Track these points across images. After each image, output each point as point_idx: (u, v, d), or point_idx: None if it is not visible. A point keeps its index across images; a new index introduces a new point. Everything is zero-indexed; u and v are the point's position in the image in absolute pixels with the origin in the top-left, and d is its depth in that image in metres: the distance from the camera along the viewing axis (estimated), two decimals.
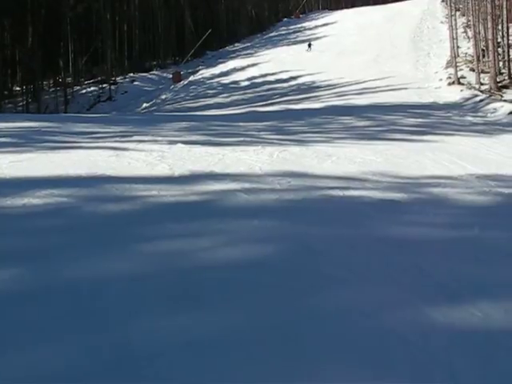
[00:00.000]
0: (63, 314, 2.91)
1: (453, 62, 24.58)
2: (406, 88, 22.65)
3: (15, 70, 40.64)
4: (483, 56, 24.40)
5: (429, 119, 14.80)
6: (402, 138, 10.75)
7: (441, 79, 24.55)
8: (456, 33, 27.57)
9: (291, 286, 3.36)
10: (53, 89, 39.04)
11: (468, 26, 31.24)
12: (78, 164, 6.62)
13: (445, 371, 2.53)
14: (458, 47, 27.24)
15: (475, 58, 23.95)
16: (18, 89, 39.69)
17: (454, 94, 20.84)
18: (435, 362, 2.60)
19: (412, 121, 14.28)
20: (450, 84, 23.31)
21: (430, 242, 4.33)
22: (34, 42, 35.86)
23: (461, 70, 24.40)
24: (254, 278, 3.41)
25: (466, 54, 27.68)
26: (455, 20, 28.15)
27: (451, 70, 24.48)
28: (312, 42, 38.45)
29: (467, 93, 20.94)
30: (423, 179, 6.73)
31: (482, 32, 25.02)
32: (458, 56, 26.41)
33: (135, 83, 38.58)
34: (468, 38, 30.07)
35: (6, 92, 37.99)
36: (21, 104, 35.96)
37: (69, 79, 38.81)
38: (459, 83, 22.94)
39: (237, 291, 3.25)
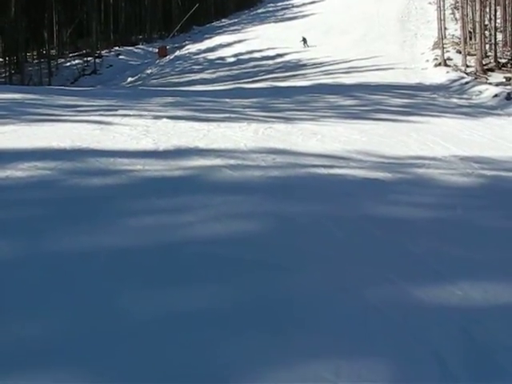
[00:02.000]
0: (43, 287, 2.90)
1: (440, 44, 24.55)
2: (392, 68, 22.61)
3: None
4: (470, 38, 24.39)
5: (414, 100, 14.82)
6: (387, 118, 10.77)
7: (427, 60, 24.52)
8: (444, 14, 27.51)
9: (274, 262, 3.37)
10: (36, 61, 38.45)
11: (456, 8, 31.15)
12: (61, 137, 6.56)
13: (425, 348, 2.56)
14: (445, 29, 27.20)
15: (462, 40, 23.93)
16: (0, 60, 39.10)
17: (440, 76, 20.83)
18: (415, 339, 2.63)
19: (398, 101, 14.29)
20: (436, 65, 23.30)
21: (413, 221, 4.36)
22: (17, 12, 35.21)
23: (447, 51, 24.38)
24: (237, 254, 3.42)
25: (453, 35, 27.63)
26: (443, 1, 28.04)
27: (438, 52, 24.45)
28: (306, 37, 32.27)
29: (453, 75, 20.94)
30: (407, 159, 6.75)
31: (470, 14, 24.99)
32: (445, 38, 26.36)
33: (120, 57, 38.13)
34: (456, 19, 30.00)
35: None
36: (4, 75, 35.39)
37: (53, 51, 38.25)
38: (445, 65, 22.93)
39: (220, 267, 3.25)
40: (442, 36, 25.36)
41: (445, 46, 24.40)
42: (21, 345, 2.39)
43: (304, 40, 31.74)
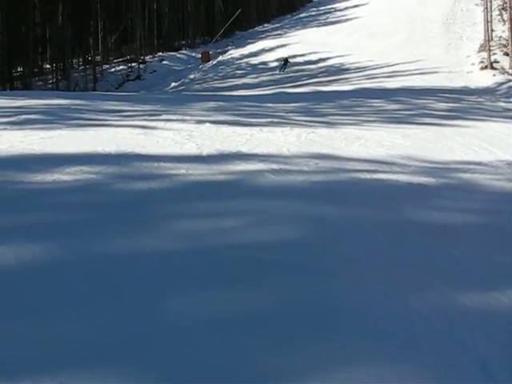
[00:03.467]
0: (91, 290, 2.95)
1: (486, 46, 24.13)
2: (436, 72, 22.33)
3: (45, 47, 40.98)
4: None
5: (460, 104, 14.60)
6: (431, 123, 10.62)
7: (473, 63, 24.14)
8: (491, 15, 27.04)
9: (317, 267, 3.36)
10: (82, 67, 39.29)
11: (504, 9, 30.56)
12: (106, 141, 6.67)
13: (470, 355, 2.52)
14: (492, 30, 26.72)
15: (510, 41, 23.47)
16: (47, 66, 40.05)
17: (487, 79, 20.49)
18: (460, 346, 2.59)
19: (442, 105, 14.09)
20: (482, 68, 22.91)
21: (458, 227, 4.30)
22: (64, 20, 36.04)
23: (494, 54, 23.95)
24: (280, 259, 3.42)
25: (501, 37, 27.13)
26: (490, 2, 27.58)
27: (484, 54, 24.04)
28: (289, 59, 28.24)
29: (500, 78, 20.57)
30: (452, 164, 6.65)
31: None
32: (492, 40, 25.91)
33: (164, 62, 38.64)
34: (503, 20, 29.45)
35: (36, 70, 38.34)
36: (51, 82, 36.26)
37: (98, 57, 39.00)
38: (492, 68, 22.53)
39: (262, 271, 3.26)
40: (488, 38, 24.91)
41: (491, 48, 23.97)
42: (65, 344, 2.44)
43: (285, 62, 27.25)
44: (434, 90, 17.58)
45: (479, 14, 32.74)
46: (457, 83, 19.87)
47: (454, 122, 10.82)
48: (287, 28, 43.04)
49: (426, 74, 21.76)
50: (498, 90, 18.58)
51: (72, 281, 3.02)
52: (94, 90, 32.33)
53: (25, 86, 33.36)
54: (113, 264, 3.25)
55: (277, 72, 26.21)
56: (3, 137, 6.76)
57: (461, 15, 36.62)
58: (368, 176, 5.72)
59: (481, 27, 28.46)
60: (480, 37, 27.74)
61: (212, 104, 12.53)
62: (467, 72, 22.75)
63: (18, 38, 34.29)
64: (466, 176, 6.01)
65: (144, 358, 2.37)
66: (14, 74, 36.18)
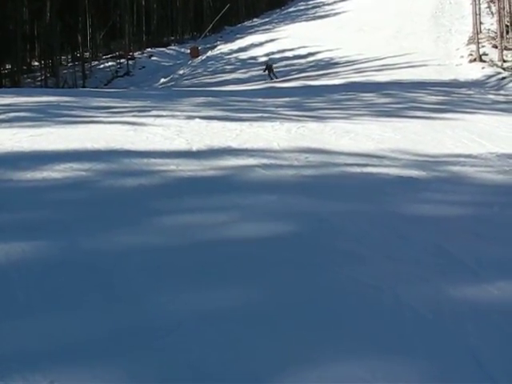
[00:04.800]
0: (81, 285, 2.95)
1: (475, 39, 24.20)
2: (426, 65, 22.37)
3: (34, 45, 40.71)
4: (507, 32, 24.00)
5: (449, 97, 14.64)
6: (421, 116, 10.65)
7: (462, 56, 24.20)
8: (479, 8, 27.08)
9: (309, 261, 3.37)
10: (71, 64, 39.08)
11: (492, 1, 30.65)
12: (96, 138, 6.64)
13: (461, 347, 2.53)
14: (480, 23, 26.78)
15: (498, 34, 23.56)
16: (36, 64, 39.78)
17: (476, 72, 20.56)
18: (451, 338, 2.60)
19: (432, 98, 14.12)
20: (471, 61, 22.98)
21: (448, 219, 4.31)
22: (52, 17, 35.83)
23: (483, 46, 24.03)
24: (271, 253, 3.42)
25: (489, 30, 27.21)
26: None
27: (473, 47, 24.11)
28: (271, 63, 25.45)
29: (489, 70, 20.64)
30: (442, 157, 6.67)
31: (507, 7, 24.56)
32: (481, 32, 25.98)
33: (153, 58, 38.48)
34: (492, 13, 29.54)
35: (24, 67, 38.09)
36: (39, 79, 36.05)
37: (87, 54, 38.80)
38: (481, 60, 22.60)
39: (254, 266, 3.26)
40: (477, 31, 24.97)
41: (480, 40, 24.04)
42: (57, 342, 2.43)
43: (268, 68, 24.48)
44: (423, 83, 17.61)
45: (468, 6, 32.78)
46: (446, 76, 19.92)
47: (444, 114, 10.84)
48: (276, 23, 42.96)
49: (415, 68, 21.80)
50: (487, 83, 18.66)
51: (62, 278, 3.01)
52: (83, 86, 32.16)
53: (13, 83, 33.15)
54: (103, 261, 3.24)
55: (267, 80, 23.45)
56: None
57: (449, 8, 36.68)
58: (358, 170, 5.72)
59: (469, 20, 28.51)
60: (469, 29, 27.80)
61: (201, 99, 12.50)
62: (456, 65, 22.80)
63: (6, 36, 34.05)
64: (455, 169, 6.03)
65: (137, 355, 2.36)
66: (3, 72, 35.94)
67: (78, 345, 2.42)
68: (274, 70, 24.67)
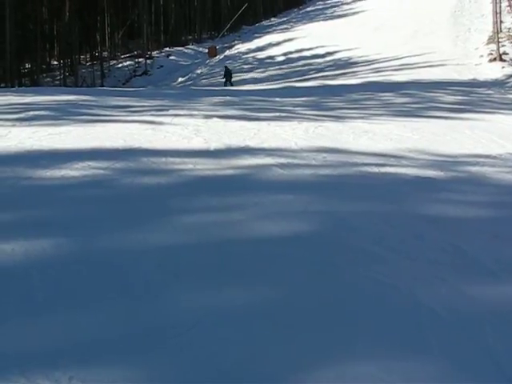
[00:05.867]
0: (99, 283, 2.97)
1: (495, 38, 23.93)
2: (445, 64, 22.18)
3: (53, 44, 41.06)
4: None
5: (468, 97, 14.51)
6: (440, 116, 10.57)
7: (481, 55, 23.95)
8: (500, 7, 26.78)
9: (327, 260, 3.37)
10: (89, 63, 39.37)
11: None
12: (114, 137, 6.68)
13: (479, 348, 2.51)
14: (501, 22, 26.48)
15: None
16: (55, 63, 40.14)
17: (496, 71, 20.33)
18: (469, 339, 2.58)
19: (451, 98, 14.01)
20: (491, 60, 22.74)
21: (466, 220, 4.28)
22: (72, 16, 36.11)
23: (503, 45, 23.76)
24: (289, 252, 3.43)
25: (510, 29, 26.91)
26: None
27: (493, 46, 23.85)
28: (232, 71, 24.63)
29: (509, 70, 20.41)
30: (461, 157, 6.62)
31: None
32: (501, 31, 25.68)
33: (171, 58, 38.61)
34: None
35: (44, 66, 38.43)
36: (58, 78, 36.36)
37: (105, 53, 39.05)
38: (501, 60, 22.35)
39: (271, 264, 3.26)
40: (497, 30, 24.70)
41: (500, 40, 23.78)
42: (75, 338, 2.45)
43: (227, 73, 23.67)
44: (442, 82, 17.47)
45: (488, 5, 32.46)
46: (465, 76, 19.74)
47: (463, 114, 10.76)
48: (294, 22, 42.89)
49: (434, 67, 21.62)
50: (507, 83, 18.45)
51: (81, 276, 3.04)
52: (102, 85, 32.38)
53: (33, 82, 33.46)
54: (121, 258, 3.27)
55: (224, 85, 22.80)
56: (12, 133, 6.78)
57: (469, 7, 36.32)
58: (376, 170, 5.70)
59: (489, 19, 28.23)
60: (488, 28, 27.52)
61: (219, 99, 12.52)
62: (476, 64, 22.58)
63: (26, 35, 34.37)
64: (474, 169, 5.98)
65: (155, 352, 2.38)
66: (22, 71, 36.27)
67: (96, 342, 2.44)
68: (233, 77, 24.18)
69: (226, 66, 24.84)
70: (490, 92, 16.01)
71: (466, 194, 5.11)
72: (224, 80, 23.82)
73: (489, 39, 26.24)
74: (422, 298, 2.92)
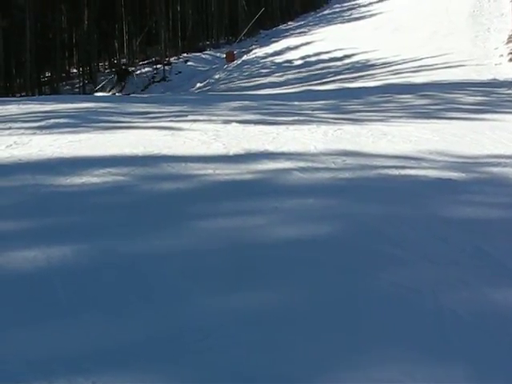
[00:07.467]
0: (121, 288, 2.99)
1: None
2: (464, 65, 22.00)
3: (72, 52, 41.49)
4: None
5: (489, 97, 14.36)
6: (460, 117, 10.47)
7: (501, 55, 23.72)
8: None
9: (348, 264, 3.35)
10: (108, 70, 39.69)
11: None
12: (134, 143, 6.72)
13: (504, 353, 2.48)
14: None
15: None
16: (74, 71, 40.53)
17: None
18: (494, 343, 2.55)
19: (470, 99, 13.88)
20: (511, 60, 22.53)
21: (489, 221, 4.24)
22: (90, 24, 36.47)
23: None
24: (309, 256, 3.42)
25: None
26: None
27: None
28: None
29: None
30: (482, 158, 6.55)
31: None
32: None
33: (189, 63, 38.78)
34: None
35: (63, 74, 38.84)
36: (77, 86, 36.71)
37: (123, 60, 39.36)
38: None
39: (292, 269, 3.26)
40: None
41: None
42: (99, 344, 2.47)
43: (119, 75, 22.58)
44: (461, 83, 17.32)
45: (507, 4, 32.21)
46: (485, 76, 19.55)
47: (484, 115, 10.65)
48: (311, 25, 42.85)
49: (453, 68, 21.46)
50: None
51: (103, 281, 3.06)
52: (121, 92, 32.61)
53: (53, 90, 33.83)
54: (143, 264, 3.28)
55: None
56: (33, 141, 6.85)
57: (488, 6, 36.00)
58: (396, 172, 5.66)
59: (509, 18, 27.99)
60: (508, 27, 27.27)
61: (237, 103, 12.53)
62: (495, 64, 22.36)
63: (46, 44, 34.79)
64: (496, 170, 5.92)
65: (176, 357, 2.39)
66: (42, 80, 36.70)
67: (119, 347, 2.45)
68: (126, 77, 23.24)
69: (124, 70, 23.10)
70: (510, 92, 15.84)
71: (487, 195, 5.06)
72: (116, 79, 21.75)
73: (509, 38, 26.00)
74: (446, 302, 2.90)
